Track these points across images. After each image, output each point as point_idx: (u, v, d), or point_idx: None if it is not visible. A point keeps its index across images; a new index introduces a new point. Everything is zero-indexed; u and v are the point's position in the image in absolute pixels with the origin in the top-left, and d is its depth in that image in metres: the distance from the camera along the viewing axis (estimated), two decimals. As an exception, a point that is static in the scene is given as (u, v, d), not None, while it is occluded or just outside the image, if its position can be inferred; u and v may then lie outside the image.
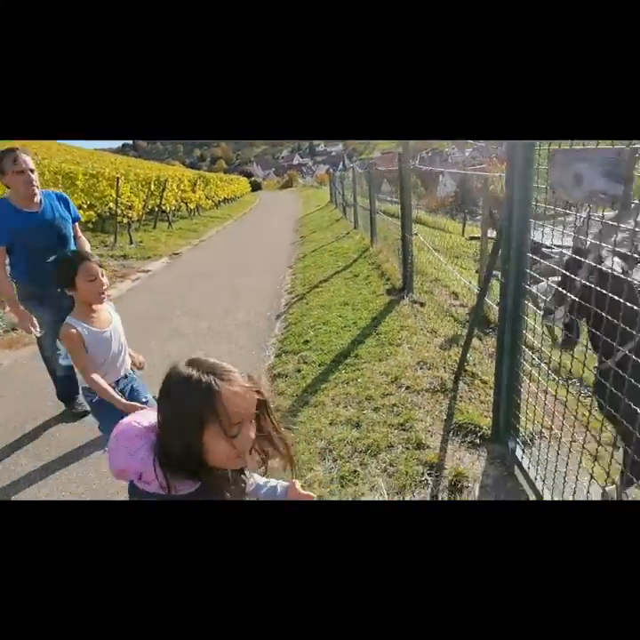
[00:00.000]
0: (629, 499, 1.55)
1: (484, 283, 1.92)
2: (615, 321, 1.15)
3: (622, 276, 1.27)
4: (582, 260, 1.26)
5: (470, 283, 4.45)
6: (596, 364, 1.48)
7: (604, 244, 1.15)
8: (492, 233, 4.31)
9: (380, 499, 1.79)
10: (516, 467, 1.93)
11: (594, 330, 1.34)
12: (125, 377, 1.81)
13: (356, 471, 1.97)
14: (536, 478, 1.74)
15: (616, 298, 1.13)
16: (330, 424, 2.38)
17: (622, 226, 1.06)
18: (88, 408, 2.07)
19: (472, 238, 6.94)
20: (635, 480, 1.36)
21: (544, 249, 1.52)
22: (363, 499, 1.80)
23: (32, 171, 2.16)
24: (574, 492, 1.44)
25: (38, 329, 2.24)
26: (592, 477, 1.31)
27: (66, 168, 8.16)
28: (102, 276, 1.61)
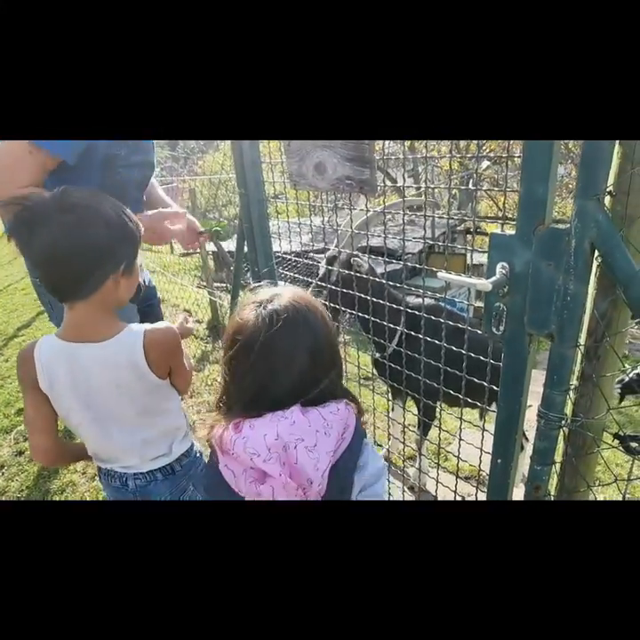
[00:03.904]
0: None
1: (233, 291, 1.81)
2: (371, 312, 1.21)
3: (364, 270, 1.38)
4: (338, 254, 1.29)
5: (198, 298, 4.35)
6: (375, 353, 1.59)
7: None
8: (209, 245, 4.35)
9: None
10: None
11: (364, 319, 1.41)
12: None
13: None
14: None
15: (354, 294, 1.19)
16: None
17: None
18: None
19: (184, 255, 7.02)
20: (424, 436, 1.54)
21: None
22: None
23: None
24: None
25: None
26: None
27: None
28: None
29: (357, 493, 0.65)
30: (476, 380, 1.05)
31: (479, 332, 1.01)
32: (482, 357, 1.02)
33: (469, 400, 1.10)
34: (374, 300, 1.23)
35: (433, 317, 1.15)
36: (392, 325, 1.28)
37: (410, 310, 1.38)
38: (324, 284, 1.40)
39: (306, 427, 0.59)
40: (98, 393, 0.84)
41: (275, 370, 0.62)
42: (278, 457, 0.58)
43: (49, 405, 0.85)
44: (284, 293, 0.66)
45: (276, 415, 0.60)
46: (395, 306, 1.28)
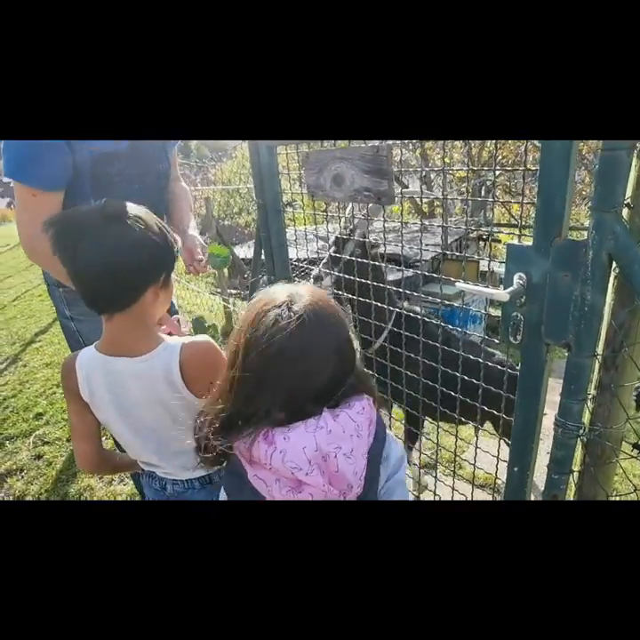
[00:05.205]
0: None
1: (250, 300, 1.83)
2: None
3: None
4: (348, 237, 1.32)
5: (213, 304, 4.41)
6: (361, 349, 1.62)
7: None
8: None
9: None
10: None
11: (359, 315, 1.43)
12: None
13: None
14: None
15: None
16: (105, 509, 1.86)
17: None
18: None
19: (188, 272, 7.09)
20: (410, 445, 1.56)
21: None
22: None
23: None
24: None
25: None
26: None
27: None
28: None
29: (384, 482, 0.66)
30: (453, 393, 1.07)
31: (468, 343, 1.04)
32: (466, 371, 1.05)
33: (448, 412, 1.13)
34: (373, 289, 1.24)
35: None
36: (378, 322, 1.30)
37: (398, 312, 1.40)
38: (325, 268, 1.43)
39: (341, 433, 0.59)
40: (135, 406, 0.84)
41: (306, 374, 0.60)
42: (319, 467, 0.57)
43: (91, 413, 0.87)
44: (302, 293, 0.63)
45: (310, 425, 0.59)
46: (382, 305, 1.30)
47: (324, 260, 1.50)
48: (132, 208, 0.78)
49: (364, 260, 1.33)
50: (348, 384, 0.64)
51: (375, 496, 0.65)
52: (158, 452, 0.91)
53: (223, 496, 0.73)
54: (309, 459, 0.57)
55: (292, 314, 0.59)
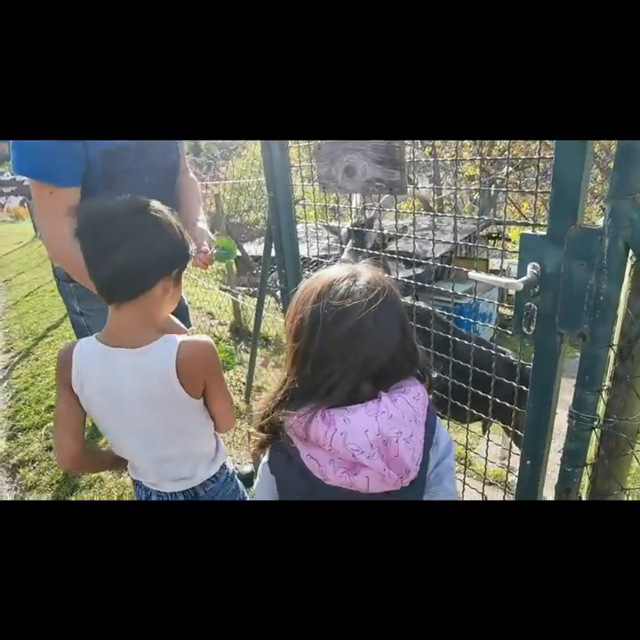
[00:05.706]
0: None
1: (260, 294, 1.84)
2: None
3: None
4: (368, 228, 1.32)
5: (221, 300, 4.42)
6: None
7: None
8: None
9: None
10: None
11: None
12: None
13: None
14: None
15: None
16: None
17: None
18: None
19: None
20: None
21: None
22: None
23: None
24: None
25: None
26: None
27: None
28: None
29: (433, 468, 0.66)
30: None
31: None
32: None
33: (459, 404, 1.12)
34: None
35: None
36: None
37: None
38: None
39: (401, 418, 0.59)
40: (126, 402, 0.83)
41: (377, 345, 0.60)
42: (379, 451, 0.57)
43: (80, 406, 0.85)
44: (361, 269, 0.64)
45: (371, 409, 0.59)
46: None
47: (348, 248, 1.49)
48: (156, 203, 0.81)
49: (382, 253, 1.32)
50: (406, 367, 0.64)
51: (424, 481, 0.65)
52: (144, 454, 0.89)
53: (265, 475, 0.71)
54: (371, 442, 0.57)
55: (362, 285, 0.60)
